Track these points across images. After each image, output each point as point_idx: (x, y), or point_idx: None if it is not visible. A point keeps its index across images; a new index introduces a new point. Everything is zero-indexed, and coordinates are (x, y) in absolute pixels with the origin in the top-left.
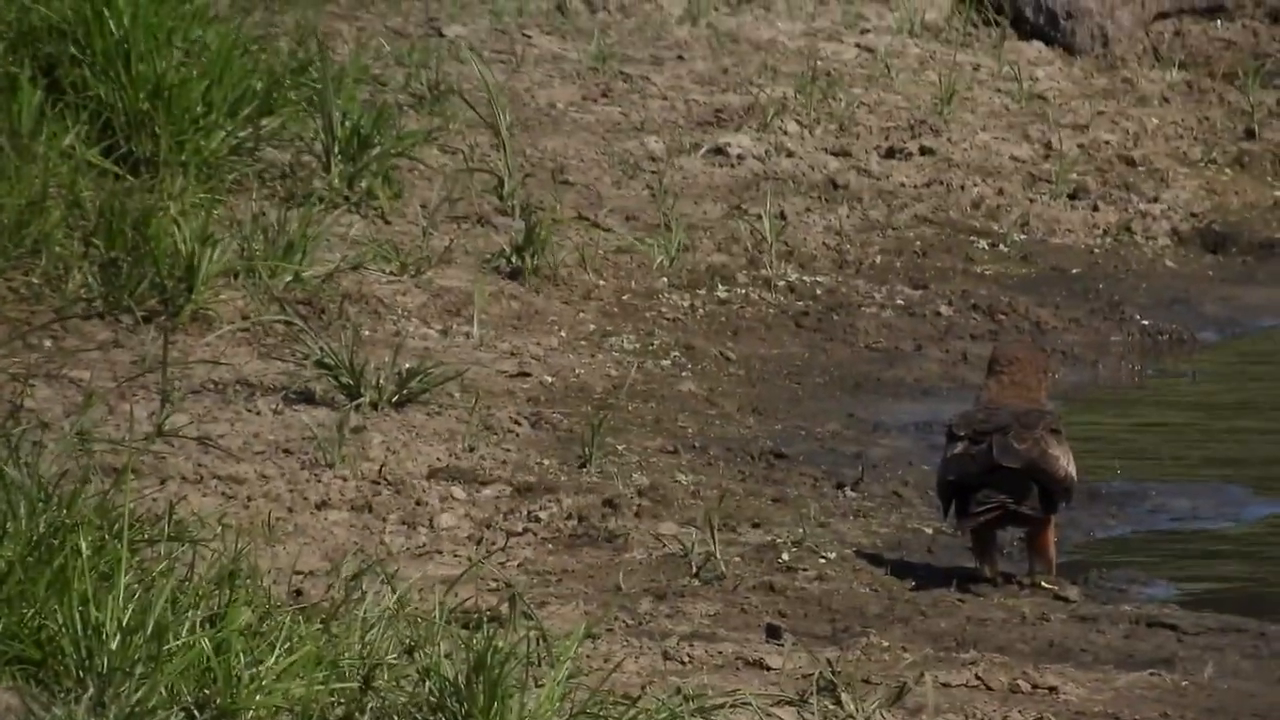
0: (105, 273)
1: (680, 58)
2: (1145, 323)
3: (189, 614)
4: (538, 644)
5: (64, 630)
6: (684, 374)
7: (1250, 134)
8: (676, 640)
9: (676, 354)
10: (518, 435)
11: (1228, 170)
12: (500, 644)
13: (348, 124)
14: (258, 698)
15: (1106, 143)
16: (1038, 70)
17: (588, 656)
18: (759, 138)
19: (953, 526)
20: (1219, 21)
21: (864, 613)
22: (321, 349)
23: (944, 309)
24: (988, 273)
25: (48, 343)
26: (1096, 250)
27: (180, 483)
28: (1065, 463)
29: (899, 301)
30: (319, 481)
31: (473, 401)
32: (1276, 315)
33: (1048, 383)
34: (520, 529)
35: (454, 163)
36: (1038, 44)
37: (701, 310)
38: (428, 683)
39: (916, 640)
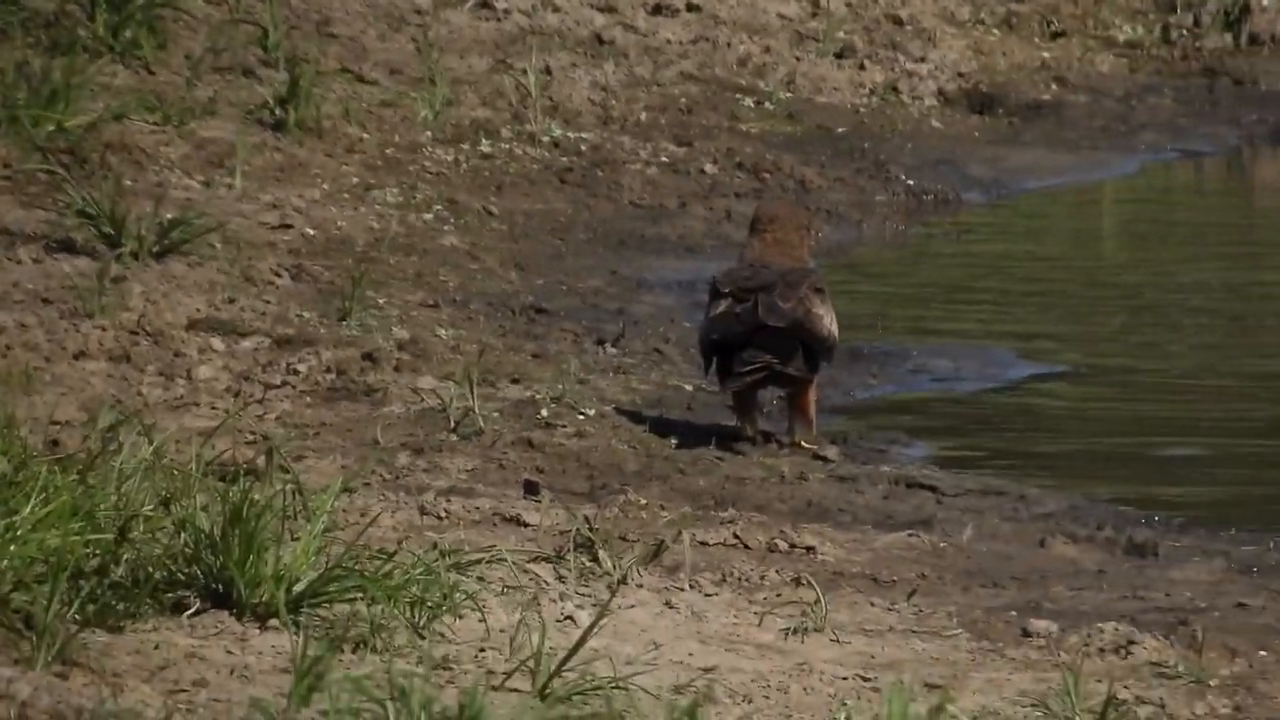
0: None
1: None
2: (910, 183)
3: None
4: (294, 497)
5: None
6: (446, 228)
7: None
8: (433, 495)
9: (439, 208)
10: (278, 288)
11: (995, 31)
12: (257, 497)
13: None
14: (12, 548)
15: (874, 2)
16: None
17: (344, 510)
18: None
19: (715, 385)
20: None
21: (622, 470)
22: (83, 198)
23: (709, 167)
24: (753, 131)
25: None
26: (862, 110)
27: None
28: (829, 322)
29: (664, 159)
30: (78, 331)
31: (234, 253)
32: (1042, 177)
33: (810, 241)
34: (279, 382)
35: (219, 13)
36: None
37: (465, 165)
38: (183, 535)
39: (675, 498)
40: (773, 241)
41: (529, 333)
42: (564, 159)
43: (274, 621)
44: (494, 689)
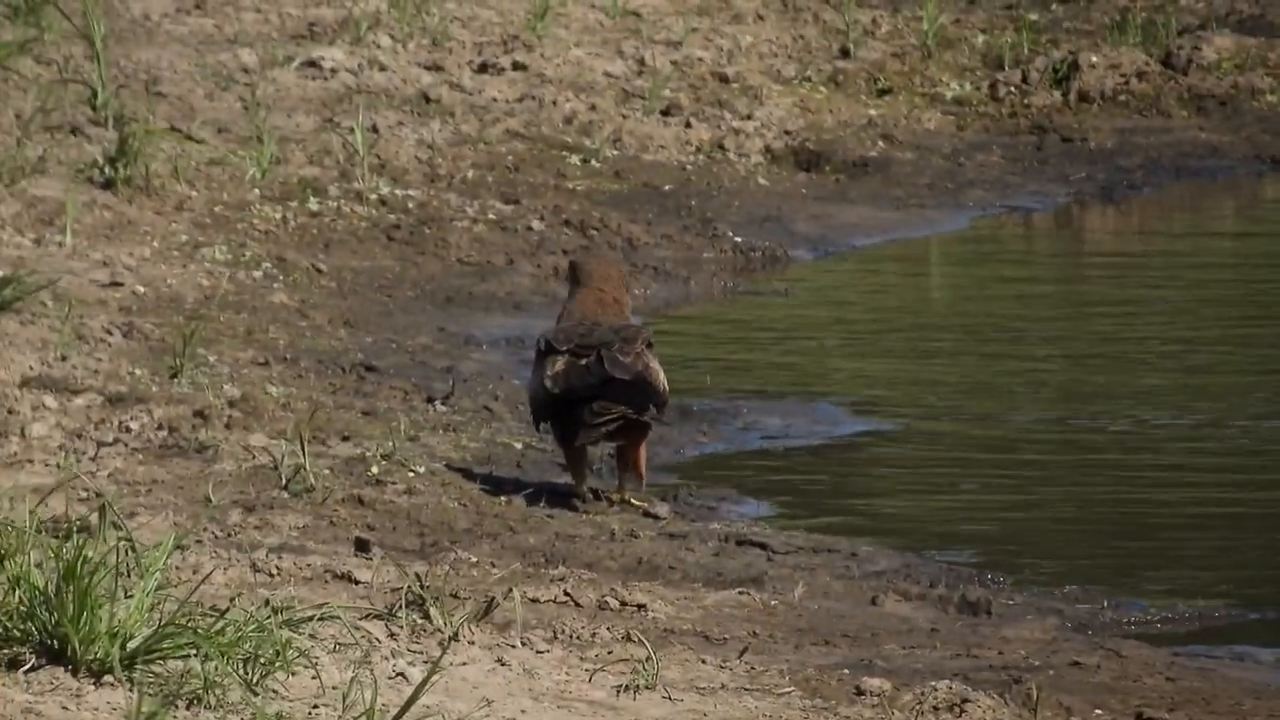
0: None
1: None
2: (738, 240)
3: None
4: (127, 554)
5: None
6: (275, 286)
7: (845, 53)
8: (265, 552)
9: (268, 265)
10: (110, 345)
11: (822, 88)
12: (90, 554)
13: None
14: None
15: (700, 60)
16: None
17: (177, 567)
18: (352, 51)
19: (550, 442)
20: None
21: (453, 527)
22: None
23: (536, 224)
24: (580, 188)
25: None
26: (689, 167)
27: None
28: (663, 376)
29: (491, 216)
30: None
31: (65, 311)
32: (868, 234)
33: (629, 296)
34: (111, 439)
35: (49, 73)
36: None
37: (294, 222)
38: (18, 591)
39: (505, 555)
40: (594, 299)
41: (359, 390)
42: (391, 216)
43: (109, 678)
44: None
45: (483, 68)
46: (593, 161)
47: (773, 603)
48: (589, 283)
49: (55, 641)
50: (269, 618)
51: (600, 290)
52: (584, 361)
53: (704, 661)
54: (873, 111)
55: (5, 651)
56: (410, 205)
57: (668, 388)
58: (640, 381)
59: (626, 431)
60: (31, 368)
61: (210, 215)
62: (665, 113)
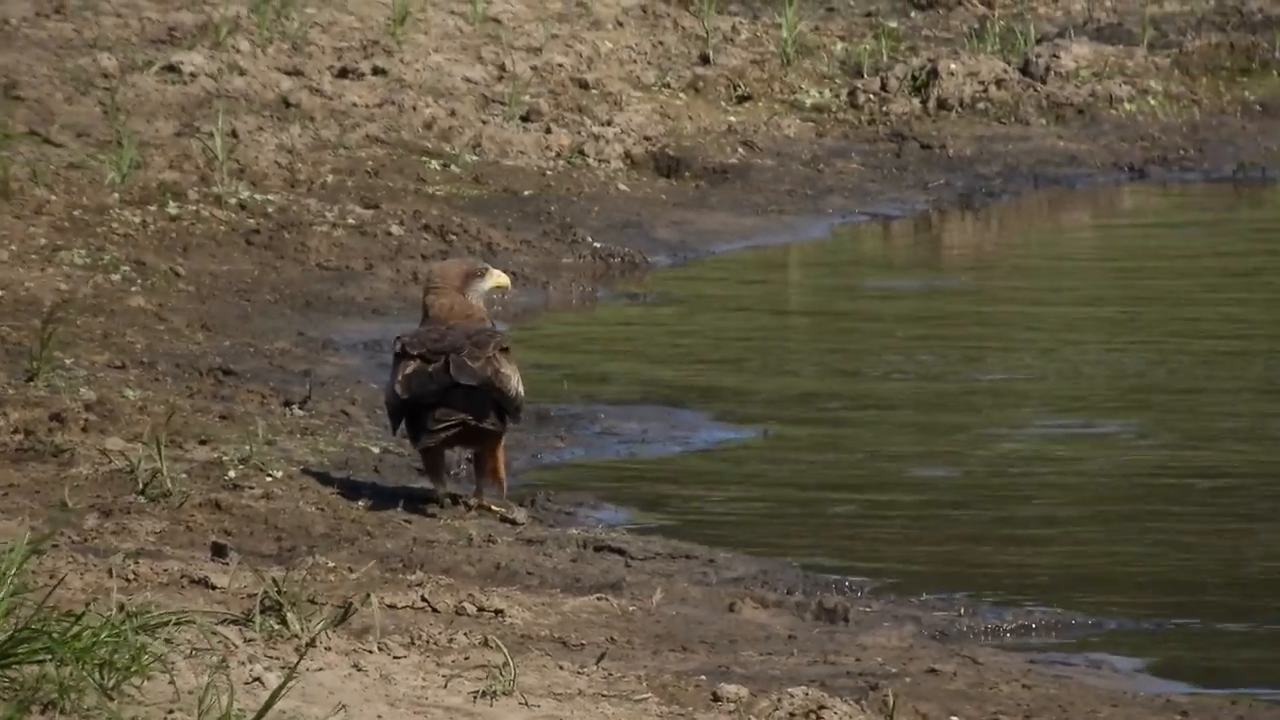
0: None
1: None
2: (597, 245)
3: None
4: None
5: None
6: (134, 289)
7: (705, 59)
8: (122, 557)
9: (127, 269)
10: None
11: (682, 95)
12: None
13: None
14: None
15: (560, 66)
16: None
17: (33, 572)
18: (212, 56)
19: (407, 444)
20: None
21: (310, 532)
22: None
23: (395, 229)
24: (439, 193)
25: None
26: (549, 172)
27: None
28: (516, 381)
29: (350, 221)
30: None
31: None
32: (728, 240)
33: (475, 296)
34: None
35: None
36: None
37: (153, 226)
38: None
39: (362, 560)
40: (450, 303)
41: (216, 394)
42: (251, 221)
43: None
44: None
45: (343, 73)
46: (452, 167)
47: (630, 609)
48: (443, 286)
49: None
50: (125, 623)
51: (454, 294)
52: (431, 368)
53: (561, 667)
54: (733, 118)
55: None
56: (270, 210)
57: (522, 393)
58: (488, 387)
59: (473, 437)
60: None
61: (69, 219)
62: (525, 118)
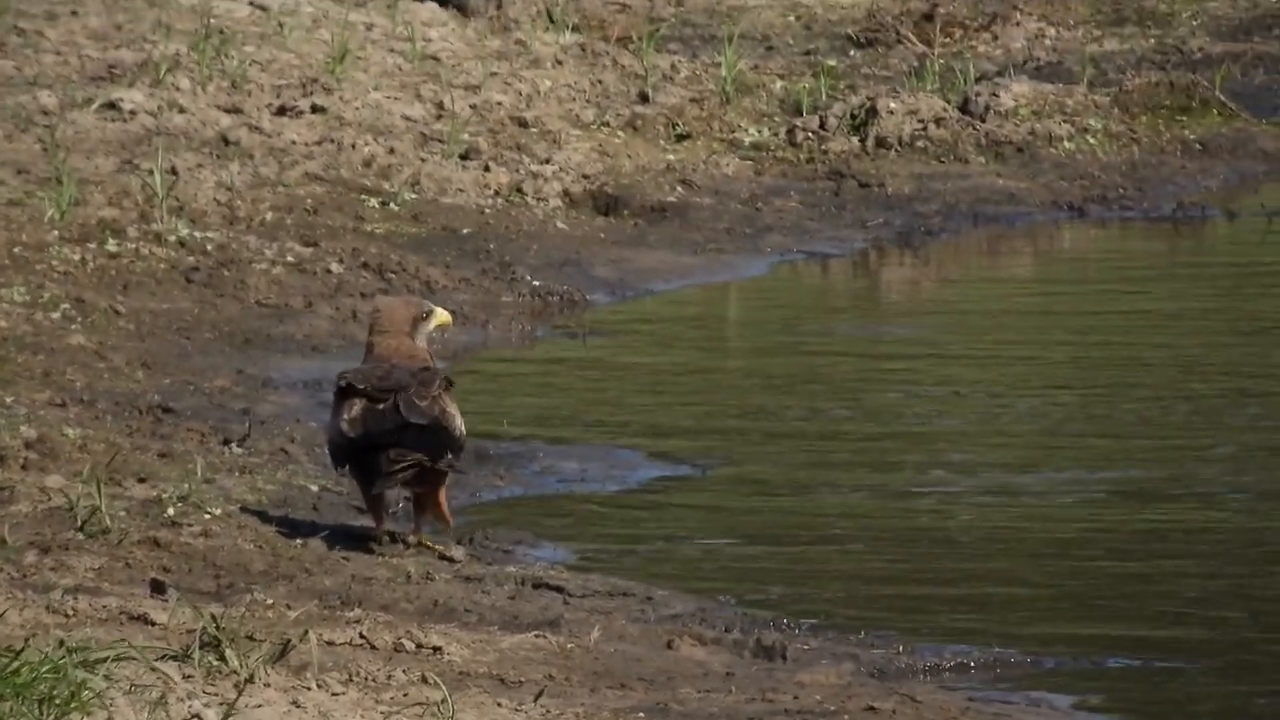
0: None
1: (74, 13)
2: (536, 283)
3: None
4: None
5: None
6: (74, 327)
7: (644, 98)
8: (61, 593)
9: (66, 307)
10: None
11: (621, 133)
12: None
13: None
14: None
15: (499, 104)
16: (431, 31)
17: None
18: (152, 93)
19: (353, 483)
20: None
21: (249, 569)
22: None
23: (335, 266)
24: (379, 231)
25: None
26: (488, 210)
27: None
28: (459, 420)
29: (290, 259)
30: None
31: None
32: (667, 278)
33: (420, 337)
34: None
35: None
36: (431, 4)
37: (92, 264)
38: None
39: (301, 597)
40: (397, 344)
41: (156, 432)
42: (190, 258)
43: None
44: None
45: (282, 110)
46: (392, 205)
47: (569, 646)
48: (386, 324)
49: None
50: (64, 658)
51: (397, 331)
52: (381, 406)
53: (500, 704)
54: (671, 156)
55: None
56: (209, 247)
57: (465, 432)
58: (437, 427)
59: (424, 478)
60: None
61: (9, 256)
62: (464, 156)
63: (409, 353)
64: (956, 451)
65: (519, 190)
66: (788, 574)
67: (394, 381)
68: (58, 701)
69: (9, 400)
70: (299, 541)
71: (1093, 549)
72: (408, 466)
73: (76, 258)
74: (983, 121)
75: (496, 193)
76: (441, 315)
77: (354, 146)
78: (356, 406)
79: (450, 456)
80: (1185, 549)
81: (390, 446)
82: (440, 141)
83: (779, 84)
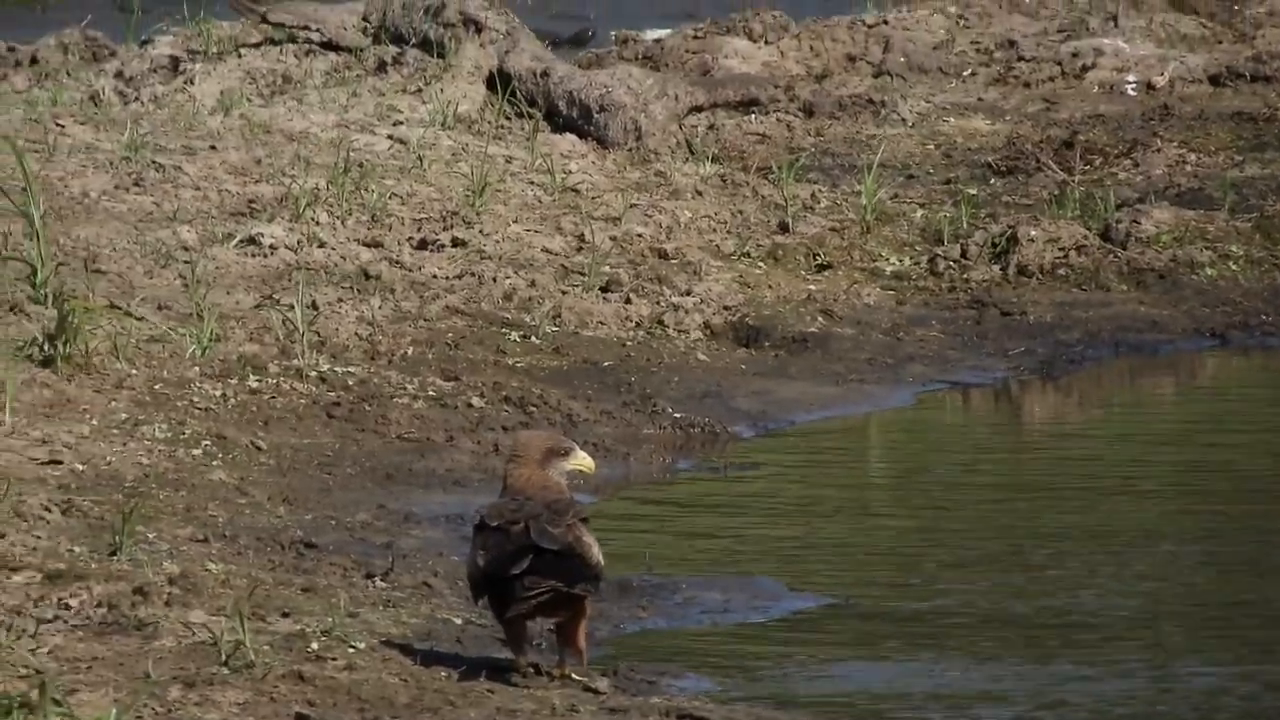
0: None
1: (213, 148)
2: (677, 416)
3: None
4: None
5: None
6: (215, 463)
7: (784, 227)
8: None
9: (208, 443)
10: (48, 522)
11: (761, 264)
12: None
13: None
14: None
15: (639, 235)
16: (571, 163)
17: None
18: (291, 228)
19: (489, 617)
20: (753, 116)
21: (394, 702)
22: None
23: (476, 400)
24: (519, 364)
25: None
26: (629, 343)
27: None
28: (597, 550)
29: (431, 393)
30: None
31: (4, 489)
32: (809, 410)
33: (557, 470)
34: (51, 616)
35: None
36: (571, 137)
37: (233, 400)
38: None
39: None
40: (530, 474)
41: (298, 567)
42: (331, 393)
43: None
44: None
45: (422, 244)
46: (532, 338)
47: None
48: (524, 457)
49: None
50: None
51: (535, 465)
52: (513, 531)
53: None
54: (812, 286)
55: None
56: (350, 382)
57: (602, 561)
58: (569, 553)
59: (560, 605)
60: None
61: (150, 393)
62: (605, 289)
63: (542, 483)
64: (1091, 585)
65: (660, 322)
66: (932, 703)
67: (526, 513)
68: None
69: (151, 536)
70: (443, 674)
71: None
72: (542, 591)
73: (218, 394)
74: (1124, 249)
75: (638, 325)
76: (583, 460)
77: (495, 279)
78: (490, 540)
79: (585, 584)
80: None
81: (524, 575)
82: (581, 274)
83: (919, 213)
